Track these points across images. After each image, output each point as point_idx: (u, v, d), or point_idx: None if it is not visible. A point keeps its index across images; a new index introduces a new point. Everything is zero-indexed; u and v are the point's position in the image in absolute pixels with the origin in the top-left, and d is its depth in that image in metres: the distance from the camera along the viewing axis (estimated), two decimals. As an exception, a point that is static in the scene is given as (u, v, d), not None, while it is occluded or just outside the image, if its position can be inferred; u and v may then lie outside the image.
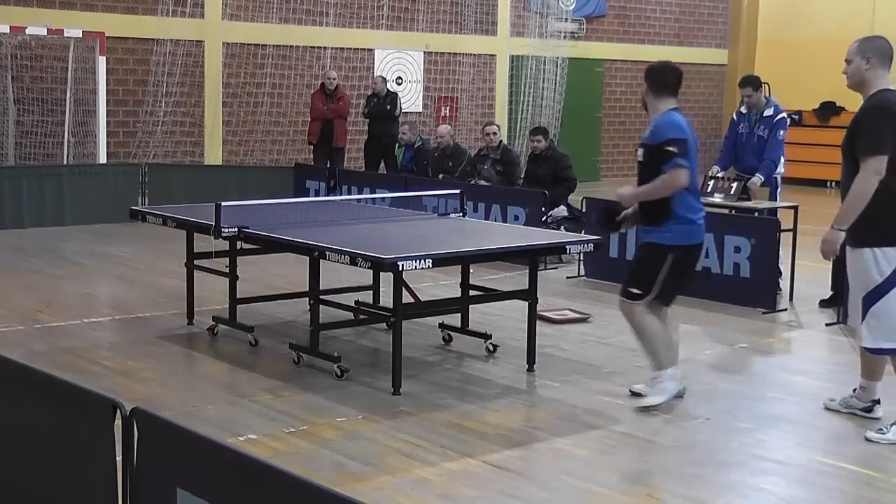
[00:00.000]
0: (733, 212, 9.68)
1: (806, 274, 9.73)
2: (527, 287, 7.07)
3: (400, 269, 6.05)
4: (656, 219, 6.04)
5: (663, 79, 6.16)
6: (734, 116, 10.20)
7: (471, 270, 7.63)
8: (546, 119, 18.37)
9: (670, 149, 5.87)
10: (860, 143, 5.55)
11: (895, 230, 5.57)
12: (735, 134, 10.00)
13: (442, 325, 7.66)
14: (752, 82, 9.99)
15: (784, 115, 9.93)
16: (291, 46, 16.60)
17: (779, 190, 10.08)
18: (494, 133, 12.18)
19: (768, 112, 9.77)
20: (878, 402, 6.03)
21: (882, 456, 5.51)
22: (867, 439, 5.68)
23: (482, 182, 11.89)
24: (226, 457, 3.20)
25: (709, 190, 9.98)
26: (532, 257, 7.18)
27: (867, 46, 5.69)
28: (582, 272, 10.20)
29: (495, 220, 10.83)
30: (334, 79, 14.70)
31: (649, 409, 6.02)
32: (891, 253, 5.57)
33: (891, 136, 5.50)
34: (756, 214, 9.50)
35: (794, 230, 9.51)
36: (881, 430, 5.73)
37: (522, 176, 12.82)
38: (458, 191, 8.47)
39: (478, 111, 18.90)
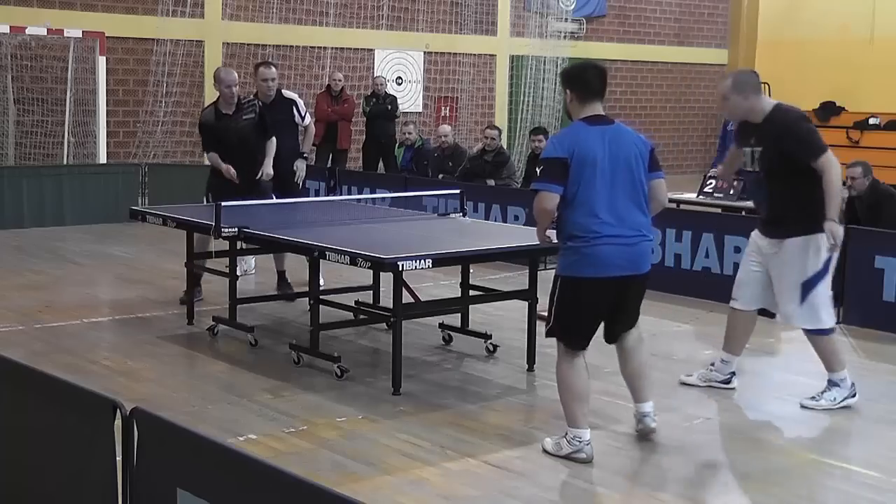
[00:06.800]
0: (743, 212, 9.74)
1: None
2: (527, 287, 7.07)
3: (400, 269, 6.05)
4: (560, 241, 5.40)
5: (586, 80, 5.39)
6: (725, 114, 10.21)
7: (471, 270, 7.63)
8: (546, 119, 18.37)
9: (537, 170, 5.33)
10: (807, 149, 5.99)
11: (818, 219, 5.99)
12: (725, 132, 10.04)
13: (442, 325, 7.65)
14: None
15: None
16: (291, 46, 16.60)
17: None
18: (493, 138, 12.29)
19: None
20: (734, 374, 6.59)
21: (882, 456, 5.52)
22: (803, 406, 6.22)
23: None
24: (226, 457, 3.21)
25: (709, 190, 10.01)
26: (532, 257, 7.18)
27: (739, 83, 6.21)
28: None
29: (495, 220, 10.83)
30: (340, 80, 14.68)
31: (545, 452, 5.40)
32: (824, 238, 6.01)
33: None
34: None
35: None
36: (814, 397, 6.27)
37: (522, 176, 12.83)
38: (458, 191, 8.47)
39: (478, 111, 18.90)
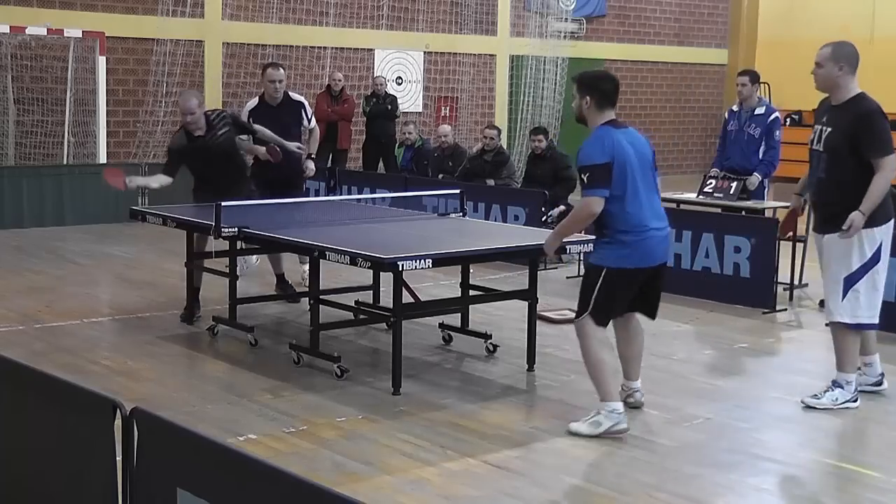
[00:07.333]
0: (743, 212, 9.73)
1: (806, 274, 9.72)
2: (527, 287, 7.07)
3: (400, 269, 6.05)
4: (597, 237, 5.83)
5: (605, 89, 5.76)
6: (726, 114, 10.23)
7: (471, 270, 7.63)
8: (546, 119, 18.35)
9: (582, 177, 5.62)
10: (874, 145, 5.99)
11: (875, 215, 6.03)
12: (725, 132, 10.05)
13: (442, 325, 7.66)
14: (750, 73, 10.04)
15: (777, 114, 9.93)
16: (291, 46, 16.60)
17: (766, 190, 10.11)
18: (492, 138, 12.29)
19: (760, 111, 9.77)
20: (882, 374, 6.54)
21: (882, 455, 5.52)
22: (806, 405, 6.19)
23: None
24: (226, 457, 3.21)
25: (709, 190, 10.00)
26: (532, 257, 7.18)
27: (840, 54, 6.13)
28: (582, 272, 10.18)
29: (495, 220, 10.83)
30: (340, 80, 14.67)
31: (573, 434, 5.63)
32: (874, 234, 6.05)
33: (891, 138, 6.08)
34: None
35: (794, 230, 9.49)
36: (816, 395, 6.24)
37: (522, 176, 12.82)
38: (458, 191, 8.47)
39: (478, 111, 18.89)
